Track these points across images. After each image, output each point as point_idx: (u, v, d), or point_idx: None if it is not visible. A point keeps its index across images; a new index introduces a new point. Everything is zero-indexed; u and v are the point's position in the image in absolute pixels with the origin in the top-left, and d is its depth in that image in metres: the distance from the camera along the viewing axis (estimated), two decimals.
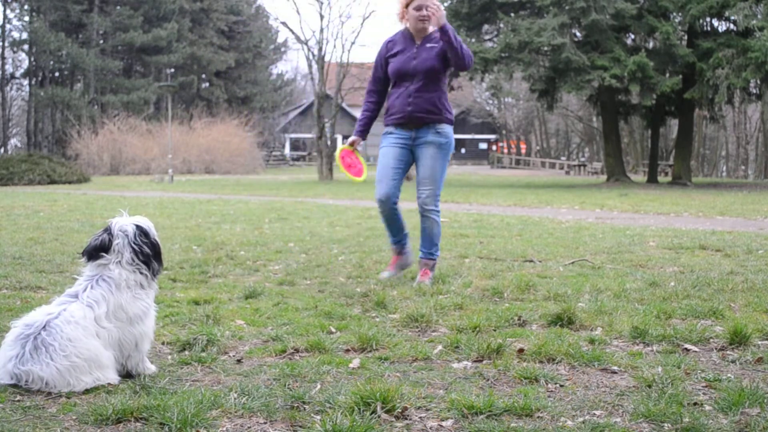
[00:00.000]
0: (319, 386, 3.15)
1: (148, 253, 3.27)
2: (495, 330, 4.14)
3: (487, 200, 17.45)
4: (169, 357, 3.65)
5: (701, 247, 7.84)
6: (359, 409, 2.82)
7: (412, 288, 5.42)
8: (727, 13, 26.34)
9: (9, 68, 53.11)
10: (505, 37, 26.40)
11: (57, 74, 52.31)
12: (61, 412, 2.84)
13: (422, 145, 5.62)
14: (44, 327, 3.04)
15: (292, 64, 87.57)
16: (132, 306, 3.23)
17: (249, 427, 2.73)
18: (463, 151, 69.70)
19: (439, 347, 3.79)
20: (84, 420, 2.76)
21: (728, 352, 3.70)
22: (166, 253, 3.97)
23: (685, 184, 28.53)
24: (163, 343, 3.88)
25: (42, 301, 4.56)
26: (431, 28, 5.64)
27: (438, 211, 5.77)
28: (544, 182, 32.30)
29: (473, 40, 28.96)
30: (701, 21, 27.54)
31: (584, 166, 47.48)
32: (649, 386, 3.13)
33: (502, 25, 28.75)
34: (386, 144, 5.73)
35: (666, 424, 2.71)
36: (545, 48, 26.84)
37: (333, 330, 4.16)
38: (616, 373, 3.38)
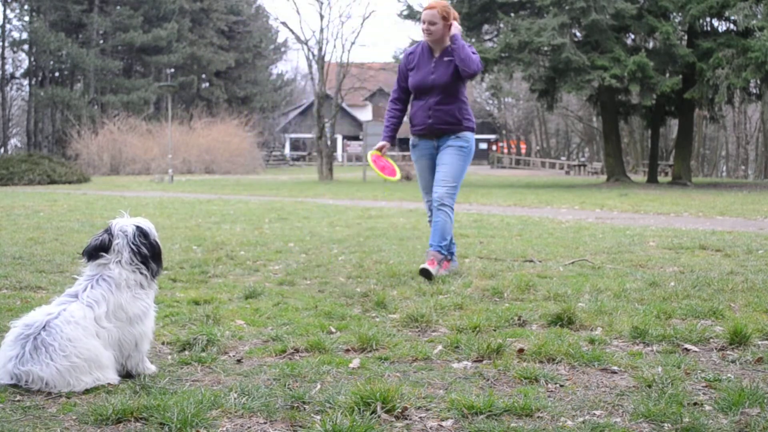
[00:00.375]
0: (319, 386, 3.16)
1: (146, 254, 3.27)
2: (495, 330, 4.14)
3: (487, 200, 17.45)
4: (169, 357, 3.65)
5: (701, 247, 7.84)
6: (359, 409, 2.82)
7: (411, 288, 5.42)
8: (727, 13, 26.33)
9: (9, 68, 53.15)
10: (505, 37, 26.39)
11: (57, 74, 52.32)
12: (61, 412, 2.84)
13: (444, 149, 5.97)
14: (44, 327, 3.04)
15: (292, 64, 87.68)
16: (132, 306, 3.23)
17: (249, 427, 2.73)
18: None
19: (439, 347, 3.79)
20: (84, 420, 2.76)
21: (728, 352, 3.70)
22: (166, 253, 3.98)
23: (685, 184, 28.53)
24: (163, 343, 3.88)
25: (42, 301, 4.56)
26: (449, 40, 5.89)
27: (451, 208, 6.03)
28: (544, 182, 32.31)
29: (473, 40, 28.94)
30: (701, 21, 27.53)
31: (584, 166, 47.50)
32: (649, 386, 3.13)
33: (502, 25, 28.74)
34: (416, 157, 6.15)
35: (666, 424, 2.71)
36: (545, 48, 26.84)
37: (333, 330, 4.16)
38: (616, 373, 3.38)
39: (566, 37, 26.09)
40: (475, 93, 63.21)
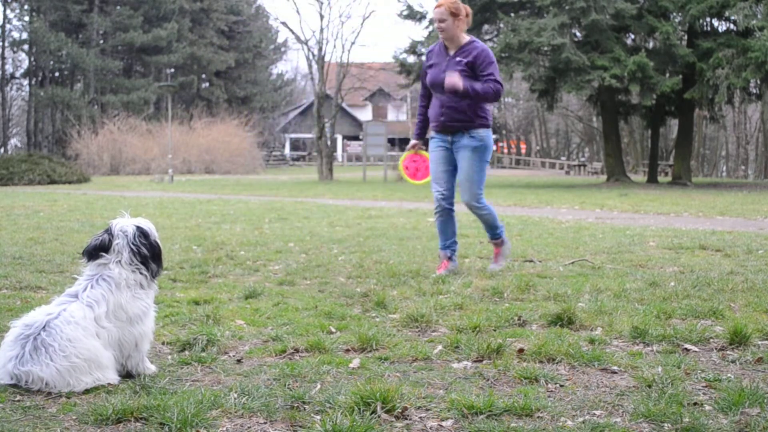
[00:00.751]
0: (319, 386, 3.16)
1: (145, 254, 3.27)
2: (495, 330, 4.14)
3: (487, 200, 17.42)
4: (169, 357, 3.65)
5: (701, 247, 7.84)
6: (359, 409, 2.82)
7: (411, 288, 5.42)
8: (727, 13, 26.32)
9: (9, 68, 53.15)
10: (505, 37, 26.39)
11: (57, 74, 52.32)
12: (61, 412, 2.84)
13: (459, 150, 6.06)
14: (44, 327, 3.04)
15: (292, 64, 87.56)
16: (132, 306, 3.23)
17: (249, 427, 2.73)
18: None
19: (439, 347, 3.79)
20: (84, 420, 2.76)
21: (728, 352, 3.70)
22: (166, 253, 3.98)
23: (685, 184, 28.52)
24: (163, 343, 3.89)
25: (42, 301, 4.56)
26: (466, 38, 6.02)
27: (483, 206, 6.23)
28: (544, 182, 32.30)
29: None
30: (701, 21, 27.52)
31: (584, 166, 47.49)
32: (649, 386, 3.13)
33: (502, 25, 28.73)
34: (432, 148, 6.23)
35: (666, 424, 2.71)
36: (545, 48, 26.83)
37: (333, 330, 4.16)
38: (616, 373, 3.38)
39: (566, 37, 26.08)
40: None
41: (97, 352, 3.10)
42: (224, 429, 2.71)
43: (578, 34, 28.32)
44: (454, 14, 5.93)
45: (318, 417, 2.79)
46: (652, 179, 31.29)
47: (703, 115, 38.98)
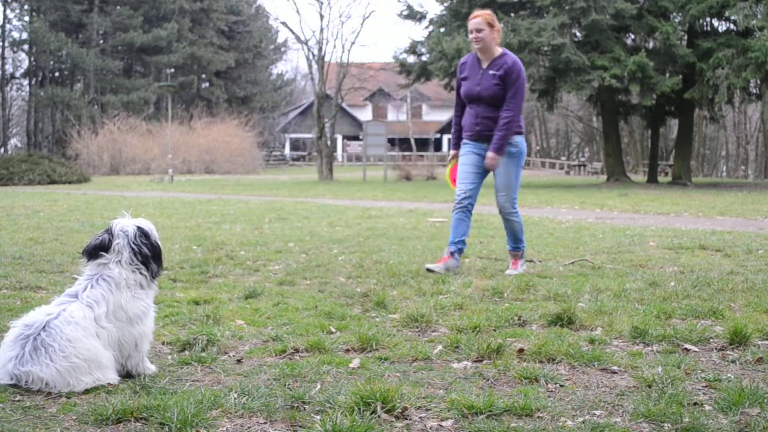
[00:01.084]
0: (319, 386, 3.16)
1: (146, 254, 3.27)
2: (495, 330, 4.14)
3: (487, 200, 17.40)
4: (169, 357, 3.65)
5: (701, 247, 7.84)
6: (359, 409, 2.82)
7: (411, 288, 5.42)
8: (727, 13, 26.31)
9: (9, 68, 53.14)
10: (505, 37, 26.37)
11: (57, 74, 52.31)
12: (61, 412, 2.84)
13: None
14: (44, 327, 3.04)
15: (292, 64, 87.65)
16: (132, 306, 3.23)
17: (249, 427, 2.73)
18: None
19: (439, 347, 3.79)
20: (84, 420, 2.76)
21: (728, 352, 3.70)
22: (166, 253, 3.99)
23: (685, 184, 28.52)
24: (163, 343, 3.89)
25: (42, 301, 4.56)
26: (499, 50, 6.17)
27: (516, 212, 6.36)
28: (544, 182, 32.30)
29: None
30: (701, 21, 27.51)
31: (584, 166, 47.45)
32: (649, 386, 3.13)
33: (502, 25, 28.70)
34: (464, 152, 6.38)
35: (666, 424, 2.72)
36: (545, 48, 26.83)
37: (333, 330, 4.16)
38: (616, 373, 3.38)
39: (566, 37, 26.08)
40: None
41: (97, 353, 3.10)
42: (224, 429, 2.71)
43: (578, 34, 28.31)
44: (491, 25, 6.09)
45: (318, 417, 2.79)
46: (652, 179, 31.29)
47: (703, 115, 38.97)
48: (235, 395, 3.00)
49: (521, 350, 3.67)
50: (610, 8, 25.85)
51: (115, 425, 2.72)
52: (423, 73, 29.65)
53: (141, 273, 3.26)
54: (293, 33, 35.12)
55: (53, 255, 7.15)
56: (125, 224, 3.29)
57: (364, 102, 67.80)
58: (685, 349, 3.75)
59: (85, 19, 49.47)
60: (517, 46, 26.07)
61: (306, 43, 33.68)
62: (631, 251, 7.58)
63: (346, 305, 4.87)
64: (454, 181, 6.63)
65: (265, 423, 2.77)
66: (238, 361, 3.59)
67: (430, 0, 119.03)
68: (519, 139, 6.21)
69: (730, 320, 4.20)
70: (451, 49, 26.31)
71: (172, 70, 53.89)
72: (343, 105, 50.31)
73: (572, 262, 6.72)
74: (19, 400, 2.94)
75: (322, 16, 33.53)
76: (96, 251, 3.24)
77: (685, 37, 28.46)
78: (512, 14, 28.47)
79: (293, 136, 70.17)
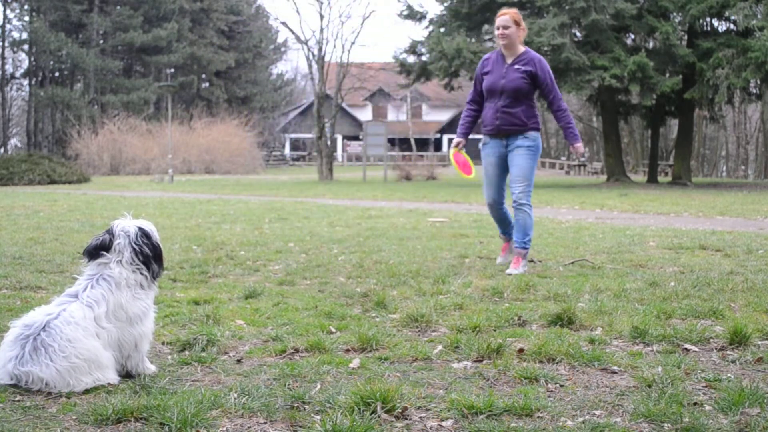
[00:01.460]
0: (319, 386, 3.16)
1: (148, 254, 3.28)
2: (495, 330, 4.14)
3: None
4: (169, 357, 3.65)
5: (701, 247, 7.84)
6: (359, 409, 2.82)
7: (411, 288, 5.42)
8: (727, 13, 26.31)
9: (9, 68, 53.13)
10: None
11: (57, 74, 52.30)
12: (61, 412, 2.84)
13: (514, 149, 6.42)
14: (44, 328, 3.04)
15: (292, 64, 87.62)
16: (132, 306, 3.23)
17: (249, 427, 2.73)
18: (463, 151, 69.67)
19: (439, 347, 3.79)
20: (84, 420, 2.76)
21: (728, 352, 3.70)
22: (166, 253, 3.98)
23: (685, 184, 28.52)
24: (163, 343, 3.89)
25: (42, 301, 4.56)
26: (522, 48, 6.45)
27: (530, 206, 6.47)
28: (544, 182, 32.30)
29: (473, 40, 28.94)
30: (701, 21, 27.51)
31: (584, 166, 47.45)
32: (649, 386, 3.13)
33: None
34: (486, 154, 6.62)
35: (666, 424, 2.72)
36: (545, 48, 26.81)
37: (333, 330, 4.16)
38: (616, 373, 3.38)
39: (566, 37, 26.07)
40: None
41: (97, 353, 3.10)
42: (224, 429, 2.71)
43: (578, 34, 28.31)
44: (517, 23, 6.41)
45: (318, 417, 2.79)
46: (652, 179, 31.29)
47: (703, 115, 38.96)
48: (235, 395, 3.00)
49: (521, 350, 3.67)
50: (610, 8, 25.85)
51: (115, 425, 2.72)
52: (423, 73, 29.65)
53: (142, 273, 3.27)
54: (293, 33, 35.12)
55: (53, 255, 7.15)
56: (126, 225, 3.29)
57: (364, 102, 67.80)
58: (685, 349, 3.75)
59: (85, 19, 49.46)
60: None
61: (306, 43, 33.69)
62: (631, 251, 7.58)
63: (346, 305, 4.87)
64: (458, 164, 6.83)
65: (265, 423, 2.77)
66: (238, 361, 3.59)
67: (430, 0, 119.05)
68: (536, 135, 6.45)
69: (730, 320, 4.20)
70: (451, 49, 26.31)
71: (172, 70, 53.88)
72: (343, 105, 50.31)
73: (572, 262, 6.72)
74: (19, 400, 2.94)
75: (322, 16, 33.55)
76: (97, 251, 3.24)
77: (685, 37, 28.46)
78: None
79: (293, 136, 70.17)
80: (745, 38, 25.07)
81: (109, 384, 3.13)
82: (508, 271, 6.19)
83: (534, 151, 6.42)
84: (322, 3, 33.32)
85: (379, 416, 2.78)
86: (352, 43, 38.76)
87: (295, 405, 2.92)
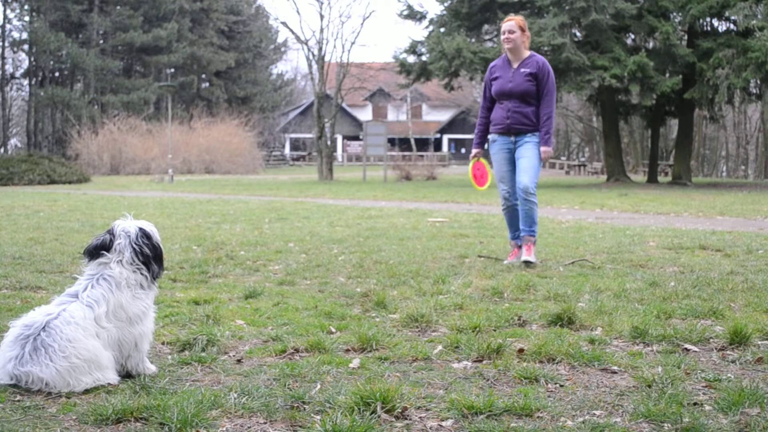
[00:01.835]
0: (319, 386, 3.16)
1: (148, 254, 3.28)
2: (495, 330, 4.14)
3: (487, 200, 17.45)
4: (169, 357, 3.65)
5: (701, 247, 7.85)
6: (359, 409, 2.82)
7: (411, 288, 5.42)
8: (727, 13, 26.31)
9: (9, 68, 53.10)
10: None
11: (57, 74, 52.28)
12: (61, 412, 2.84)
13: (522, 145, 6.78)
14: (44, 328, 3.04)
15: (292, 64, 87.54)
16: (132, 306, 3.23)
17: (249, 427, 2.73)
18: (463, 151, 69.72)
19: (439, 347, 3.79)
20: (84, 420, 2.76)
21: (728, 352, 3.70)
22: (166, 253, 3.98)
23: (685, 184, 28.51)
24: (163, 343, 3.89)
25: (42, 301, 4.56)
26: (527, 52, 6.80)
27: (535, 195, 6.75)
28: (544, 182, 32.29)
29: (473, 40, 28.94)
30: (701, 21, 27.51)
31: (584, 166, 47.45)
32: (649, 386, 3.13)
33: (502, 25, 28.70)
34: (495, 151, 6.94)
35: (666, 424, 2.72)
36: (545, 48, 26.81)
37: (333, 330, 4.16)
38: (616, 373, 3.38)
39: (566, 37, 26.07)
40: (475, 93, 63.22)
41: (97, 353, 3.10)
42: (224, 429, 2.71)
43: (578, 34, 28.31)
44: (522, 29, 6.76)
45: (318, 417, 2.79)
46: (652, 179, 31.28)
47: (703, 115, 38.97)
48: (235, 395, 3.00)
49: (521, 350, 3.67)
50: (610, 8, 25.85)
51: (115, 425, 2.72)
52: (423, 73, 29.64)
53: (142, 273, 3.27)
54: (293, 33, 35.08)
55: (53, 255, 7.15)
56: (127, 225, 3.30)
57: (364, 102, 67.81)
58: (685, 349, 3.76)
59: (85, 19, 49.45)
60: None
61: (306, 43, 33.67)
62: (631, 251, 7.58)
63: (346, 305, 4.87)
64: (475, 177, 7.25)
65: (265, 423, 2.77)
66: (238, 361, 3.59)
67: (430, 0, 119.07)
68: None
69: (730, 320, 4.20)
70: (451, 49, 26.30)
71: (172, 70, 53.88)
72: (343, 105, 50.33)
73: (572, 262, 6.72)
74: (19, 400, 2.94)
75: (322, 16, 33.54)
76: (97, 251, 3.25)
77: (685, 37, 28.46)
78: (512, 14, 28.47)
79: (293, 136, 70.18)
80: (745, 38, 25.06)
81: (109, 384, 3.13)
82: (523, 258, 6.60)
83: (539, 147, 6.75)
84: (322, 3, 33.33)
85: (379, 416, 2.78)
86: (352, 43, 38.72)
87: (295, 405, 2.92)
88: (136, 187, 26.50)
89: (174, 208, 14.44)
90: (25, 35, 50.30)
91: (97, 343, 3.11)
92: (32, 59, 50.61)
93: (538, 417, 2.82)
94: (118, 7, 50.92)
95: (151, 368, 3.35)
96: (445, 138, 70.33)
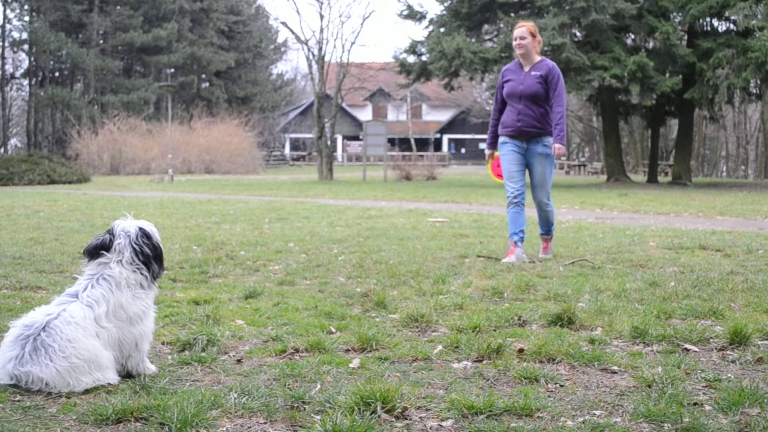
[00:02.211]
0: (319, 386, 3.16)
1: (148, 254, 3.28)
2: (495, 330, 4.14)
3: (487, 200, 17.45)
4: (169, 357, 3.65)
5: (701, 247, 7.85)
6: (359, 409, 2.82)
7: (411, 288, 5.42)
8: (727, 13, 26.31)
9: (9, 68, 53.09)
10: (505, 37, 26.37)
11: (57, 74, 52.26)
12: (61, 412, 2.84)
13: (533, 157, 7.04)
14: (44, 328, 3.04)
15: (292, 64, 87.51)
16: (132, 305, 3.23)
17: (249, 427, 2.73)
18: (463, 151, 69.75)
19: (439, 347, 3.79)
20: (84, 420, 2.76)
21: (728, 352, 3.70)
22: (166, 253, 3.97)
23: (685, 184, 28.51)
24: (163, 343, 3.89)
25: (42, 301, 4.56)
26: (538, 57, 7.05)
27: (551, 204, 7.24)
28: None
29: (473, 40, 28.93)
30: (701, 21, 27.51)
31: (584, 166, 47.45)
32: (649, 386, 3.13)
33: (502, 25, 28.72)
34: (505, 151, 7.15)
35: (666, 424, 2.72)
36: (545, 48, 26.79)
37: (333, 330, 4.16)
38: (616, 373, 3.38)
39: (566, 37, 26.07)
40: (475, 93, 63.26)
41: (97, 353, 3.10)
42: (224, 429, 2.71)
43: (578, 34, 28.31)
44: (533, 35, 7.00)
45: (318, 417, 2.79)
46: (652, 179, 31.28)
47: (703, 115, 38.96)
48: (235, 395, 3.00)
49: (521, 350, 3.67)
50: (610, 8, 25.85)
51: (115, 425, 2.72)
52: (423, 73, 29.65)
53: (142, 273, 3.27)
54: (293, 33, 35.07)
55: (53, 255, 7.15)
56: (127, 225, 3.30)
57: (364, 102, 67.81)
58: (685, 349, 3.76)
59: (85, 19, 49.44)
60: None
61: (306, 43, 33.66)
62: (631, 251, 7.58)
63: (346, 305, 4.87)
64: (496, 174, 7.69)
65: (265, 423, 2.77)
66: (238, 361, 3.59)
67: (430, 0, 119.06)
68: (551, 140, 7.01)
69: (730, 320, 4.20)
70: (451, 49, 26.30)
71: (172, 70, 53.86)
72: (343, 105, 50.31)
73: (572, 262, 6.72)
74: (19, 400, 2.94)
75: (322, 16, 33.52)
76: (97, 251, 3.25)
77: (685, 37, 28.46)
78: (512, 14, 28.48)
79: (293, 136, 70.17)
80: (745, 38, 25.06)
81: (109, 384, 3.13)
82: (541, 256, 7.12)
83: (552, 157, 7.02)
84: (322, 3, 33.32)
85: (379, 416, 2.78)
86: (352, 43, 38.73)
87: (295, 405, 2.93)
88: (136, 187, 26.50)
89: (174, 208, 14.44)
90: (25, 35, 50.29)
91: (97, 343, 3.11)
92: (32, 59, 50.60)
93: (538, 417, 2.82)
94: (118, 7, 50.90)
95: (151, 368, 3.35)
96: (445, 138, 70.32)
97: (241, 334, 4.06)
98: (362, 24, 65.99)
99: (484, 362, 3.55)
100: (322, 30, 33.45)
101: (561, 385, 3.20)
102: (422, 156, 48.50)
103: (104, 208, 14.51)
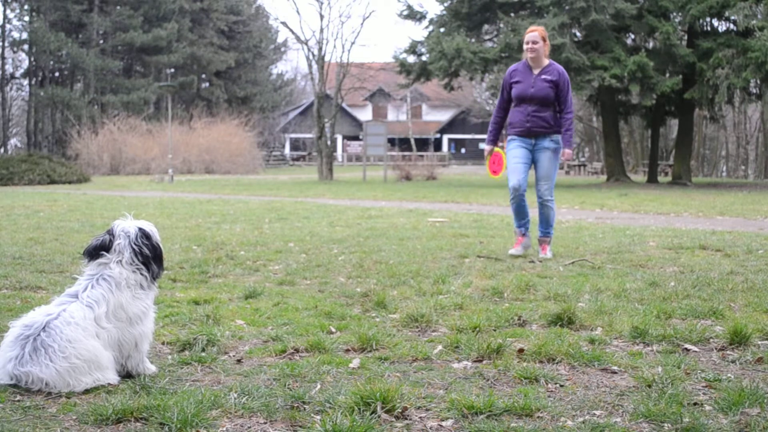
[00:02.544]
0: (319, 386, 3.16)
1: (147, 255, 3.28)
2: (495, 330, 4.14)
3: (487, 200, 17.45)
4: (169, 357, 3.65)
5: (701, 247, 7.85)
6: (359, 409, 2.82)
7: (411, 288, 5.42)
8: (727, 13, 26.30)
9: (9, 68, 53.09)
10: (505, 37, 26.39)
11: (57, 74, 52.26)
12: (61, 412, 2.84)
13: (540, 150, 7.25)
14: (44, 328, 3.04)
15: (292, 64, 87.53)
16: (132, 306, 3.23)
17: (249, 427, 2.73)
18: (463, 151, 69.74)
19: (439, 347, 3.79)
20: (84, 420, 2.76)
21: (728, 352, 3.70)
22: (166, 253, 3.97)
23: (685, 184, 28.51)
24: (163, 343, 3.89)
25: (42, 301, 4.56)
26: (546, 61, 7.25)
27: (553, 200, 7.41)
28: None
29: (473, 40, 28.93)
30: (701, 21, 27.51)
31: (584, 166, 47.44)
32: (649, 386, 3.13)
33: (502, 25, 28.72)
34: (512, 147, 7.33)
35: (666, 424, 2.72)
36: None
37: (333, 330, 4.16)
38: (616, 373, 3.38)
39: (566, 37, 26.06)
40: (475, 93, 63.25)
41: (97, 353, 3.10)
42: (224, 429, 2.71)
43: (578, 34, 28.31)
44: (544, 39, 7.21)
45: (318, 417, 2.79)
46: (652, 179, 31.28)
47: (703, 115, 38.96)
48: (235, 395, 3.01)
49: (521, 350, 3.67)
50: (610, 8, 25.85)
51: (115, 425, 2.72)
52: (423, 73, 29.65)
53: (142, 273, 3.27)
54: (293, 33, 35.07)
55: (53, 255, 7.15)
56: (127, 225, 3.30)
57: (364, 102, 67.80)
58: (685, 349, 3.76)
59: (85, 19, 49.44)
60: (517, 46, 26.08)
61: (306, 43, 33.66)
62: (631, 251, 7.58)
63: (346, 305, 4.87)
64: (492, 171, 7.70)
65: (265, 423, 2.77)
66: (238, 361, 3.59)
67: (430, 0, 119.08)
68: (559, 137, 7.24)
69: (730, 320, 4.20)
70: (451, 49, 26.30)
71: (172, 70, 53.84)
72: (343, 105, 50.32)
73: (572, 262, 6.72)
74: (19, 400, 2.94)
75: (322, 16, 33.52)
76: (97, 251, 3.25)
77: (685, 37, 28.46)
78: (512, 14, 28.48)
79: (293, 136, 70.17)
80: (745, 38, 25.06)
81: (109, 384, 3.13)
82: (540, 257, 7.08)
83: (558, 152, 7.23)
84: (322, 3, 33.32)
85: (379, 416, 2.78)
86: (352, 43, 38.75)
87: (295, 405, 2.93)
88: (136, 187, 26.50)
89: (174, 208, 14.44)
90: (25, 35, 50.29)
91: (97, 343, 3.11)
92: (32, 59, 50.60)
93: (538, 417, 2.82)
94: (118, 7, 50.90)
95: (151, 368, 3.35)
96: (445, 138, 70.31)
97: (241, 334, 4.06)
98: (362, 24, 66.04)
99: (484, 362, 3.55)
100: (322, 30, 33.46)
101: (561, 385, 3.20)
102: (422, 156, 48.47)
103: (104, 208, 14.51)
